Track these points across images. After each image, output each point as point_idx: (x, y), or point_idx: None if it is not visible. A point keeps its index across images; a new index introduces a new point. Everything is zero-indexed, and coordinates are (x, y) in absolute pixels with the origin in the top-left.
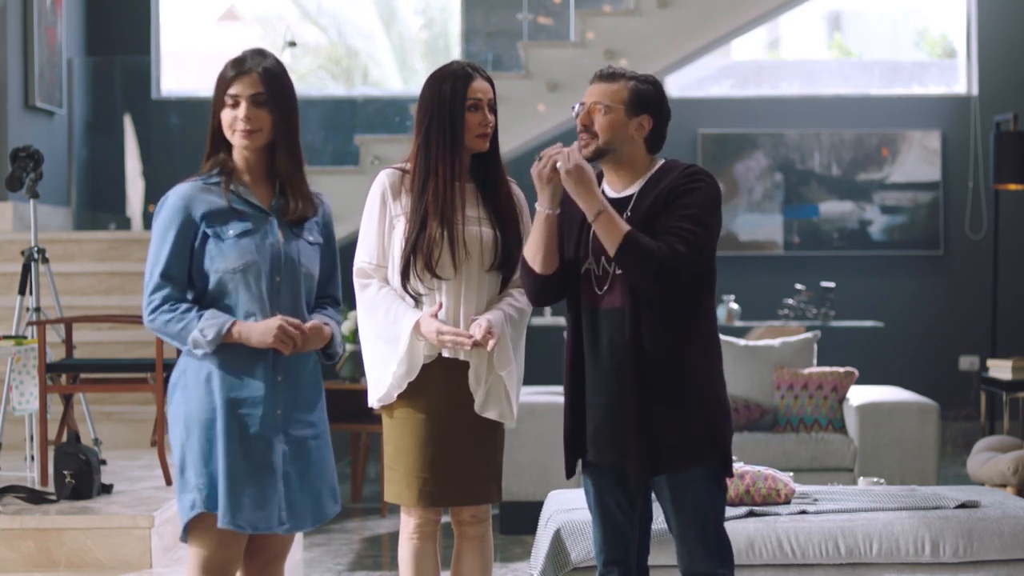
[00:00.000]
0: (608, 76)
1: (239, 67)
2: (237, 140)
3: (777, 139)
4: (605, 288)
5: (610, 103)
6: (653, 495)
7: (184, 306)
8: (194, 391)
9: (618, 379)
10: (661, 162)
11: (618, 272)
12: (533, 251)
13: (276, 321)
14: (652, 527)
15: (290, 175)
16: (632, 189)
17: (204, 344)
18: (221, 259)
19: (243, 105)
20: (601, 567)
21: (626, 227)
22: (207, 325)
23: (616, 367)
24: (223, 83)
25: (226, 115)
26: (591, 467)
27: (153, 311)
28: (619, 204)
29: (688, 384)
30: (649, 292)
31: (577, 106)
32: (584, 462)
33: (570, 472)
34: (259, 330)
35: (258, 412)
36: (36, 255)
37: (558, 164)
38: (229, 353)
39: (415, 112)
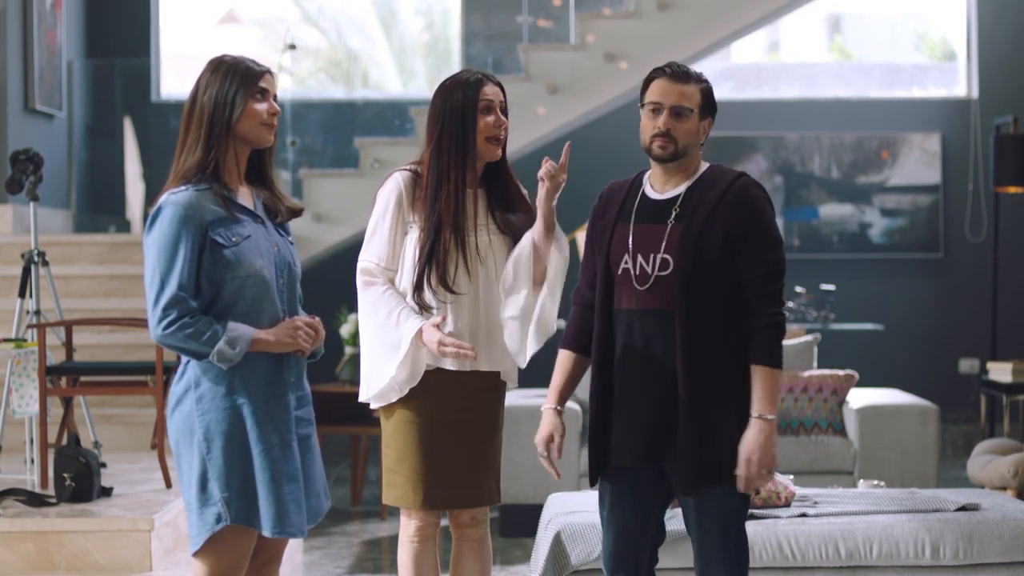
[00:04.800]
0: (683, 76)
1: (260, 65)
2: (264, 134)
3: (777, 142)
4: (646, 288)
5: (691, 106)
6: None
7: (203, 319)
8: (213, 403)
9: (658, 383)
10: (706, 164)
11: (662, 272)
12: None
13: (293, 322)
14: (667, 527)
15: (272, 176)
16: (678, 189)
17: (233, 356)
18: (237, 266)
19: (270, 99)
20: (608, 573)
21: (767, 373)
22: (232, 337)
23: (657, 370)
24: (251, 76)
25: (259, 107)
26: (611, 471)
27: (170, 325)
28: (665, 205)
29: (733, 396)
30: (706, 295)
31: (648, 105)
32: (605, 465)
33: (594, 480)
34: (279, 334)
35: (286, 418)
36: (36, 258)
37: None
38: (251, 361)
39: (426, 121)
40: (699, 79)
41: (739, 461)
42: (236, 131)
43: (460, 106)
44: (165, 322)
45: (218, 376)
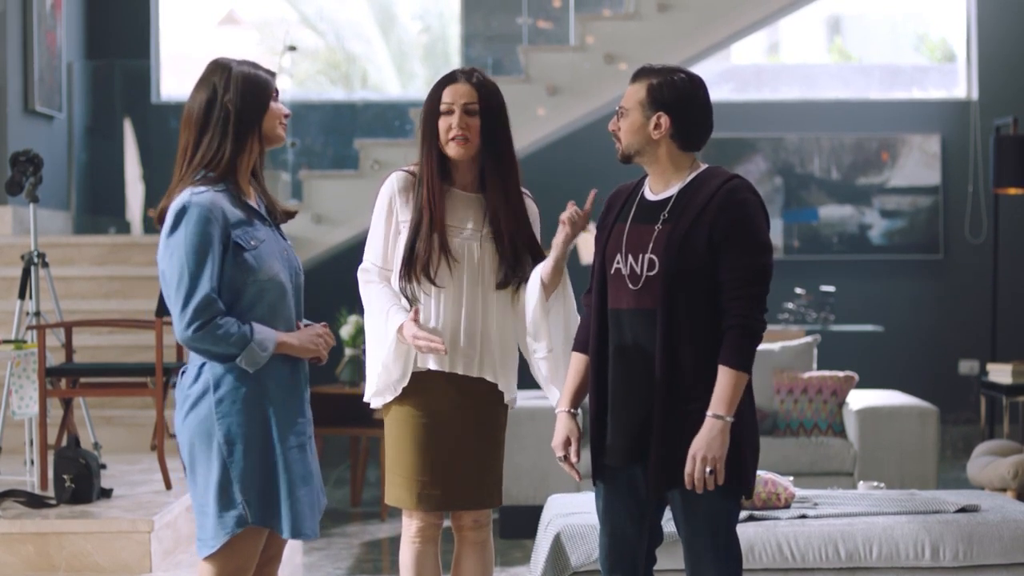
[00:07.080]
0: (634, 76)
1: (269, 69)
2: (281, 132)
3: (777, 143)
4: (639, 288)
5: (628, 106)
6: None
7: (231, 320)
8: (233, 405)
9: (645, 383)
10: (704, 167)
11: (651, 272)
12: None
13: (314, 329)
14: (665, 528)
15: (263, 179)
16: (671, 191)
17: (261, 359)
18: (258, 270)
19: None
20: (605, 573)
21: (730, 374)
22: (260, 339)
23: (644, 370)
24: (269, 78)
25: (278, 106)
26: (605, 471)
27: (201, 327)
28: (657, 207)
29: (710, 399)
30: (689, 293)
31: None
32: (599, 465)
33: (595, 480)
34: (302, 339)
35: (303, 420)
36: (36, 259)
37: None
38: (272, 364)
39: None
40: (652, 74)
41: (687, 458)
42: (262, 130)
43: (428, 107)
44: (196, 323)
45: (239, 378)
